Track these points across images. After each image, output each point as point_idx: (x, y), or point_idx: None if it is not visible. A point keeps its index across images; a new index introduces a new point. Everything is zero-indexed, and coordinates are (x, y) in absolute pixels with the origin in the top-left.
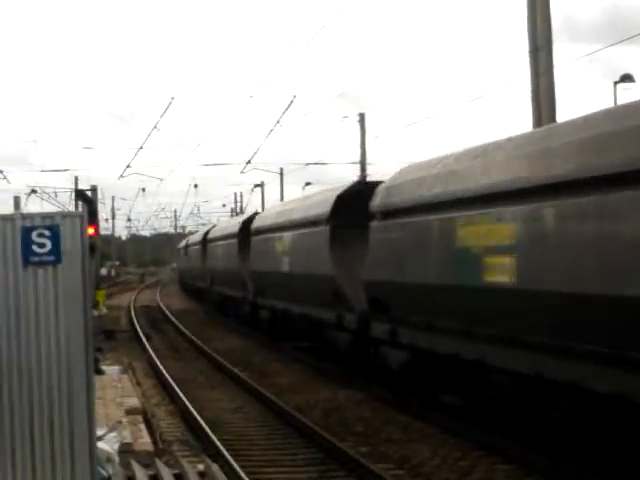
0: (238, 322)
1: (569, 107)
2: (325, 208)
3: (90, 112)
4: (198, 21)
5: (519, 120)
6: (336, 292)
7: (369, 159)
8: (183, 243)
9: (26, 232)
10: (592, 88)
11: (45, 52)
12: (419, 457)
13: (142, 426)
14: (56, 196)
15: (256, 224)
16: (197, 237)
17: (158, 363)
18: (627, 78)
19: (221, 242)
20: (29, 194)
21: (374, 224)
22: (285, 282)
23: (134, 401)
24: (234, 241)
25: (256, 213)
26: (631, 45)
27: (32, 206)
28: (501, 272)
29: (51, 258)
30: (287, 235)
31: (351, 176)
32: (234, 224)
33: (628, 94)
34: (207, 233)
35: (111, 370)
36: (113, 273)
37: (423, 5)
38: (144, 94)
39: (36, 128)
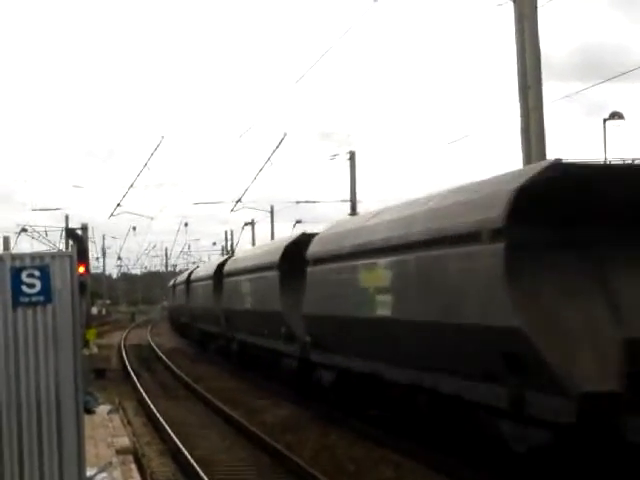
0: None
1: (554, 144)
2: (210, 270)
3: (75, 151)
4: (184, 61)
5: (503, 159)
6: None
7: (358, 197)
8: (172, 282)
9: (16, 273)
10: (570, 124)
11: (31, 90)
12: None
13: (133, 466)
14: (46, 235)
15: (192, 276)
16: (171, 282)
17: (149, 402)
18: (616, 115)
19: (180, 287)
20: (19, 233)
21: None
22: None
23: (124, 441)
24: (183, 287)
25: (196, 268)
26: (606, 83)
27: (22, 245)
28: None
29: (41, 298)
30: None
31: (340, 214)
32: (185, 275)
33: (618, 131)
34: (175, 280)
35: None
36: (104, 312)
37: (408, 48)
38: (126, 133)
39: (25, 167)
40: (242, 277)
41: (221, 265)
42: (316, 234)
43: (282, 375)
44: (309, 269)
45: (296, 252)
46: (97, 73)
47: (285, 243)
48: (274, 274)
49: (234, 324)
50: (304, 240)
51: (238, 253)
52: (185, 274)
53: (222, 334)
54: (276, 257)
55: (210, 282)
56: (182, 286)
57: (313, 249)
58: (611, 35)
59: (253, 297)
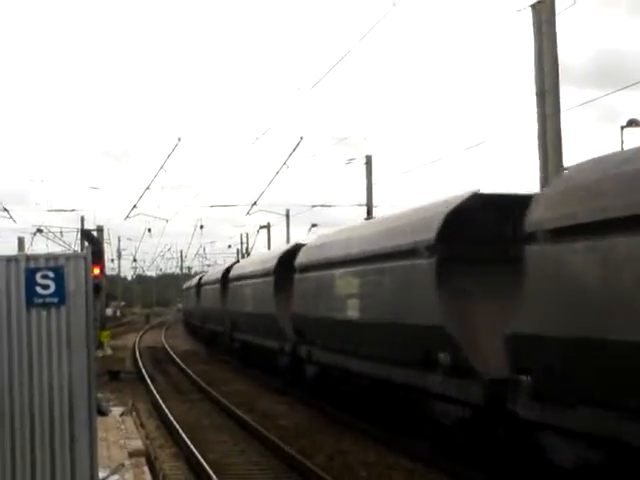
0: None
1: (570, 150)
2: (269, 263)
3: (91, 152)
4: (202, 63)
5: (520, 165)
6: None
7: (374, 202)
8: (196, 281)
9: (30, 274)
10: (586, 131)
11: (48, 90)
12: None
13: (145, 469)
14: (62, 236)
15: (231, 273)
16: (191, 281)
17: (162, 405)
18: (634, 123)
19: (209, 286)
20: (35, 234)
21: None
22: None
23: (137, 443)
24: (215, 287)
25: (236, 262)
26: (622, 90)
27: (38, 245)
28: None
29: (55, 300)
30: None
31: (356, 218)
32: (217, 272)
33: (635, 138)
34: (200, 278)
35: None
36: (118, 313)
37: (425, 53)
38: (143, 134)
39: (41, 167)
40: (339, 270)
41: (288, 255)
42: (506, 194)
43: (442, 432)
44: (536, 248)
45: (465, 225)
46: (114, 74)
47: (444, 210)
48: (424, 263)
49: (315, 339)
50: (477, 204)
51: (318, 237)
52: (216, 271)
53: (287, 351)
54: (428, 235)
55: (269, 279)
56: (214, 286)
57: (547, 212)
58: (628, 42)
59: (364, 301)
